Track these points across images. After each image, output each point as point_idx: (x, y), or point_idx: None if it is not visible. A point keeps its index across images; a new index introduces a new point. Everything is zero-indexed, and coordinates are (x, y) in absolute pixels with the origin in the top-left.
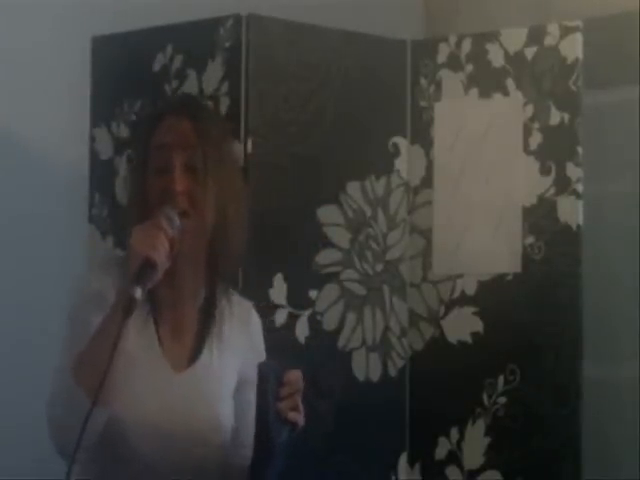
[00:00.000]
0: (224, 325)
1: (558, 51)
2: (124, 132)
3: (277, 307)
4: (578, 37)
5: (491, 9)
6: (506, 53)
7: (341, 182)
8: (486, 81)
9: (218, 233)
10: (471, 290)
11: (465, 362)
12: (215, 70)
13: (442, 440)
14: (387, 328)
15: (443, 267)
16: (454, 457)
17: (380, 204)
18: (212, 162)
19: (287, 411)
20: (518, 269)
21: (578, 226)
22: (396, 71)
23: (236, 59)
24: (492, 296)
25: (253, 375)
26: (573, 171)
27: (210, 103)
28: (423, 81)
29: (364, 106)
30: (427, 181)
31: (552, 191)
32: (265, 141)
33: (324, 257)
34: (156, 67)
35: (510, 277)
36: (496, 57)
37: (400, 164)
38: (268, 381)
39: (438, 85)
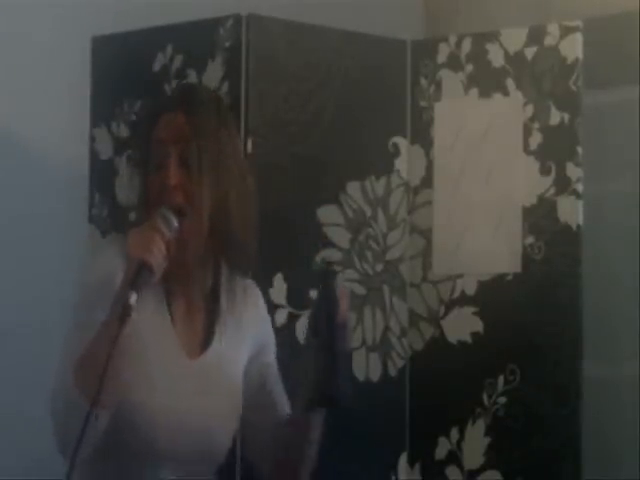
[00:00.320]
0: (234, 309)
1: (558, 51)
2: (124, 132)
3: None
4: (578, 37)
5: (491, 9)
6: (506, 53)
7: (341, 182)
8: (486, 81)
9: (220, 225)
10: (471, 290)
11: (465, 362)
12: (215, 70)
13: (442, 440)
14: (387, 328)
15: (443, 267)
16: (454, 457)
17: (380, 204)
18: (207, 155)
19: (345, 312)
20: (518, 269)
21: (578, 226)
22: (396, 71)
23: (236, 59)
24: (492, 296)
25: (265, 345)
26: (573, 171)
27: (210, 94)
28: (423, 81)
29: (364, 106)
30: (427, 181)
31: (552, 191)
32: (265, 141)
33: (324, 257)
34: (156, 67)
35: (510, 277)
36: (496, 57)
37: (400, 164)
38: (335, 290)
39: (438, 85)
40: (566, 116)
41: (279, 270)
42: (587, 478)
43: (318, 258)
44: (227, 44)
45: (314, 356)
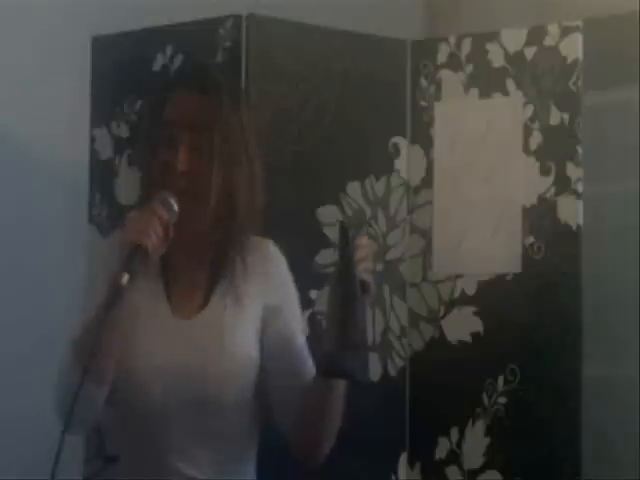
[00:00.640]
0: (235, 271)
1: (558, 51)
2: (124, 132)
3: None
4: (578, 37)
5: (491, 9)
6: (506, 53)
7: (341, 182)
8: (486, 81)
9: (226, 210)
10: (471, 290)
11: (465, 362)
12: (215, 70)
13: (442, 440)
14: (387, 328)
15: (443, 267)
16: (454, 457)
17: (380, 204)
18: (220, 144)
19: (362, 273)
20: (518, 269)
21: (578, 226)
22: (396, 71)
23: (236, 59)
24: (492, 296)
25: (282, 305)
26: (573, 171)
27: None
28: (423, 81)
29: (364, 106)
30: (427, 181)
31: (552, 191)
32: (265, 141)
33: (324, 257)
34: (156, 67)
35: (510, 277)
36: (496, 57)
37: (400, 164)
38: (348, 245)
39: (438, 85)
40: (566, 116)
41: None
42: (587, 478)
43: (319, 259)
44: (227, 44)
45: (331, 319)
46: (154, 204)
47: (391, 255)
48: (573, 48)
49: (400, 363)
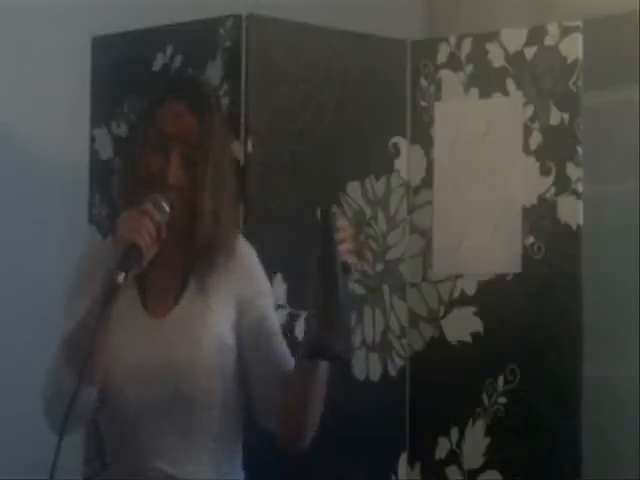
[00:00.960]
0: (206, 268)
1: (558, 51)
2: (124, 132)
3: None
4: (578, 37)
5: (491, 9)
6: (506, 53)
7: (341, 182)
8: (486, 81)
9: (212, 222)
10: (471, 290)
11: (465, 362)
12: (215, 70)
13: (442, 440)
14: (387, 328)
15: (443, 267)
16: (454, 457)
17: (380, 204)
18: (213, 159)
19: (344, 254)
20: (518, 269)
21: (578, 226)
22: (396, 71)
23: (236, 59)
24: (492, 296)
25: (254, 296)
26: (573, 171)
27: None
28: (423, 81)
29: (364, 106)
30: (427, 181)
31: (552, 191)
32: (265, 141)
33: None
34: (156, 67)
35: (510, 277)
36: (496, 57)
37: (400, 164)
38: (332, 226)
39: (438, 85)
40: (566, 116)
41: (279, 270)
42: (587, 478)
43: None
44: (227, 44)
45: (314, 302)
46: (146, 205)
47: (391, 255)
48: (573, 48)
49: (400, 363)
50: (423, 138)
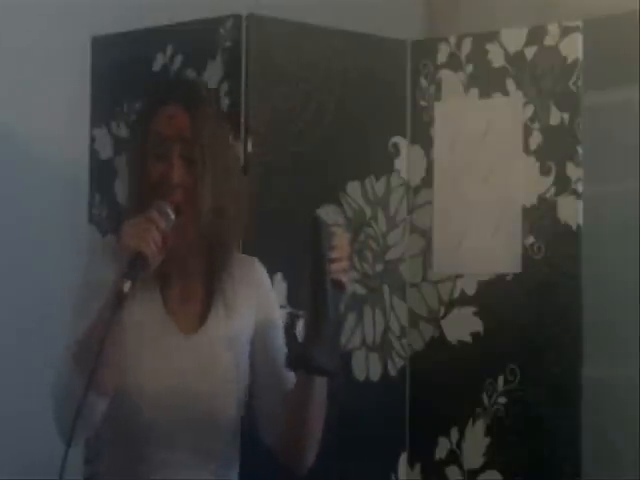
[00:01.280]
0: (229, 286)
1: (558, 51)
2: (124, 132)
3: None
4: (578, 37)
5: (491, 9)
6: (506, 53)
7: (341, 182)
8: (486, 81)
9: (216, 218)
10: (471, 290)
11: (465, 362)
12: (215, 70)
13: (442, 440)
14: (387, 328)
15: (443, 267)
16: (454, 457)
17: (380, 204)
18: (209, 154)
19: (338, 273)
20: (518, 269)
21: (578, 226)
22: (396, 71)
23: (236, 59)
24: (492, 296)
25: (268, 321)
26: (573, 171)
27: (208, 90)
28: (423, 81)
29: (364, 106)
30: (427, 181)
31: (552, 191)
32: (265, 141)
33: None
34: (156, 67)
35: (510, 277)
36: (496, 57)
37: (400, 164)
38: (321, 241)
39: (438, 85)
40: (566, 116)
41: (279, 270)
42: (587, 478)
43: None
44: (227, 44)
45: (306, 317)
46: (152, 212)
47: (391, 255)
48: (573, 48)
49: (400, 363)
50: (423, 138)
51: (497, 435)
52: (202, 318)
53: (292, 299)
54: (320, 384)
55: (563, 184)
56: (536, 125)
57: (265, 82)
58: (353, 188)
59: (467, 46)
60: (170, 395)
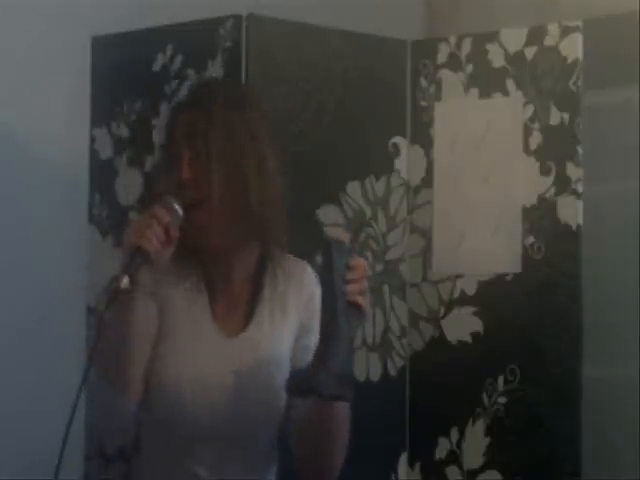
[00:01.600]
0: (276, 288)
1: (558, 51)
2: (124, 132)
3: None
4: (578, 37)
5: (491, 9)
6: (506, 53)
7: (341, 182)
8: (486, 81)
9: (244, 210)
10: (471, 290)
11: (465, 362)
12: (215, 70)
13: (442, 440)
14: (387, 328)
15: (443, 267)
16: (454, 457)
17: (380, 204)
18: (215, 144)
19: (354, 294)
20: (518, 269)
21: (578, 226)
22: (396, 71)
23: (236, 59)
24: (492, 296)
25: (310, 325)
26: (573, 171)
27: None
28: (423, 81)
29: (364, 106)
30: (427, 181)
31: (552, 191)
32: None
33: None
34: (156, 67)
35: (510, 277)
36: (496, 57)
37: (400, 164)
38: (334, 264)
39: (438, 85)
40: (566, 116)
41: None
42: (587, 478)
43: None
44: (227, 44)
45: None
46: (155, 207)
47: (391, 255)
48: (573, 48)
49: (400, 363)
50: (423, 138)
51: (497, 435)
52: (246, 321)
53: None
54: (339, 410)
55: (563, 184)
56: (536, 125)
57: (265, 82)
58: (353, 188)
59: (467, 46)
60: (211, 396)
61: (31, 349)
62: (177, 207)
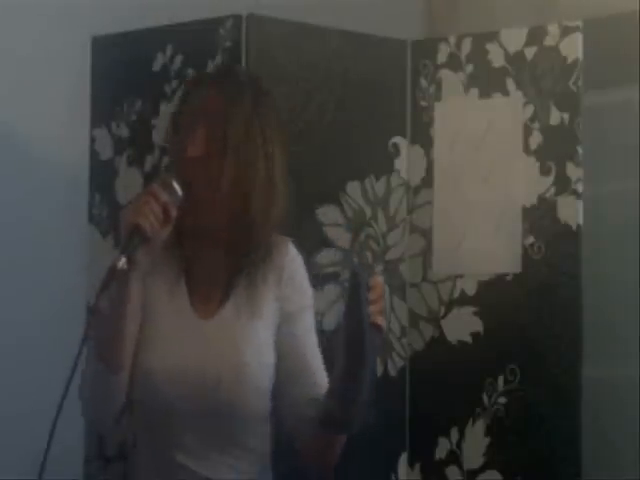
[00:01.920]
0: (252, 270)
1: (558, 51)
2: (124, 132)
3: None
4: (578, 37)
5: (491, 9)
6: (506, 53)
7: (341, 182)
8: (486, 81)
9: (241, 203)
10: (471, 290)
11: (465, 362)
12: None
13: (442, 440)
14: (387, 328)
15: (443, 267)
16: (454, 457)
17: (380, 204)
18: (236, 139)
19: (375, 315)
20: (518, 269)
21: (578, 226)
22: (396, 71)
23: (236, 59)
24: (492, 296)
25: (298, 309)
26: (573, 171)
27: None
28: (423, 81)
29: (364, 106)
30: (427, 181)
31: (552, 191)
32: None
33: (324, 257)
34: (156, 67)
35: (510, 277)
36: (496, 57)
37: (400, 164)
38: (361, 286)
39: (438, 85)
40: (566, 116)
41: None
42: (587, 478)
43: (319, 259)
44: (227, 44)
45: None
46: (152, 185)
47: (391, 255)
48: (573, 48)
49: (400, 363)
50: (423, 138)
51: (497, 435)
52: (222, 302)
53: None
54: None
55: (563, 184)
56: (536, 125)
57: (265, 82)
58: (353, 188)
59: (467, 46)
60: (185, 379)
61: (31, 349)
62: (176, 186)
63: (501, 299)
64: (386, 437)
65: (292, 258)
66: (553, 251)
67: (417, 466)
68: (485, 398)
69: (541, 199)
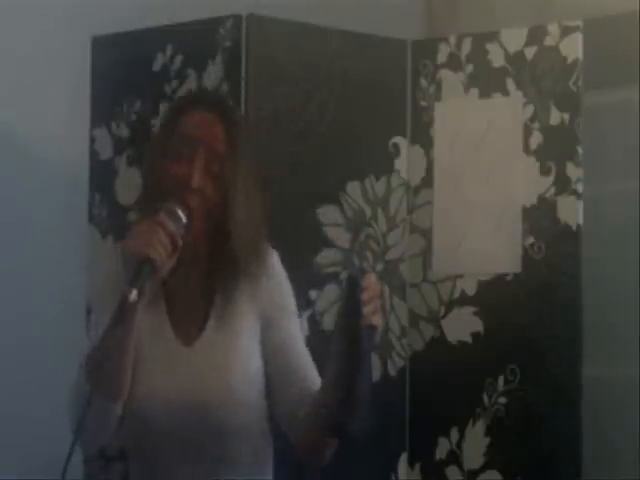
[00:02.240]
0: (233, 288)
1: (558, 51)
2: (124, 132)
3: None
4: (578, 37)
5: (491, 9)
6: (506, 53)
7: (341, 182)
8: (486, 81)
9: (225, 228)
10: (471, 290)
11: (465, 362)
12: (215, 70)
13: (442, 440)
14: (387, 328)
15: (443, 267)
16: (454, 457)
17: (380, 204)
18: (240, 171)
19: (370, 315)
20: (518, 269)
21: (578, 226)
22: (396, 71)
23: (236, 59)
24: (492, 296)
25: (272, 320)
26: (573, 171)
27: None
28: (423, 81)
29: (364, 106)
30: (427, 181)
31: (552, 191)
32: (265, 141)
33: (324, 257)
34: (156, 67)
35: (510, 277)
36: (496, 57)
37: (400, 164)
38: (357, 290)
39: (438, 85)
40: (566, 116)
41: None
42: (587, 478)
43: (319, 259)
44: (227, 44)
45: (333, 377)
46: (160, 215)
47: (391, 255)
48: (573, 48)
49: (400, 363)
50: (423, 138)
51: (497, 435)
52: (203, 324)
53: None
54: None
55: (563, 184)
56: (536, 125)
57: (265, 82)
58: (353, 188)
59: (467, 46)
60: (165, 403)
61: (31, 349)
62: (181, 214)
63: (501, 299)
64: (386, 437)
65: (272, 265)
66: (553, 251)
67: (417, 466)
68: (485, 398)
69: (541, 199)
